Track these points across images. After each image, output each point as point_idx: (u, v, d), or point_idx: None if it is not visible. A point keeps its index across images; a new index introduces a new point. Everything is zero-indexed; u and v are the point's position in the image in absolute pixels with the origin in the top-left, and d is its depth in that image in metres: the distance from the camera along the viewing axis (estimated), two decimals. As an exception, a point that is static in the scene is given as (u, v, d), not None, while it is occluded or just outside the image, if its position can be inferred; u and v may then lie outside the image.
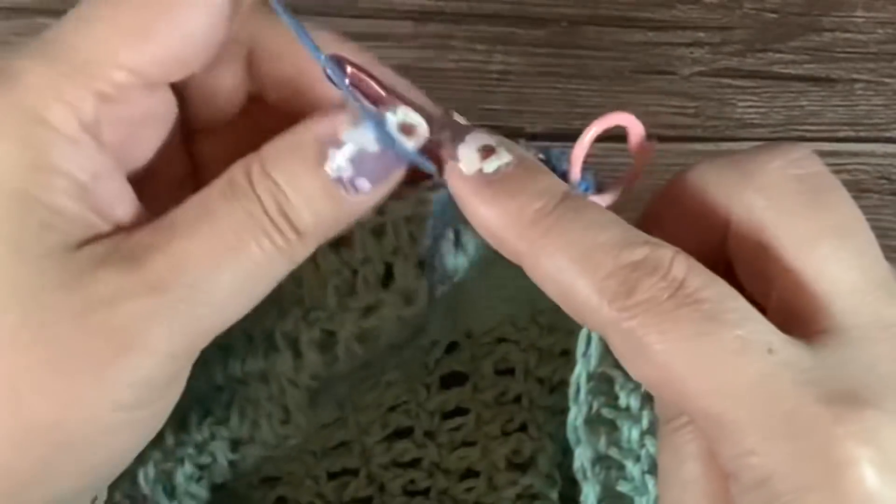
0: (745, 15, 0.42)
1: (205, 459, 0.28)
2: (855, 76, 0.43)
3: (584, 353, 0.28)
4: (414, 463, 0.35)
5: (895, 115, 0.43)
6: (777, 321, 0.21)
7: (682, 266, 0.21)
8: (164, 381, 0.23)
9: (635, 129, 0.27)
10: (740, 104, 0.42)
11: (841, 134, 0.42)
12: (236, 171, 0.24)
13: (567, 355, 0.31)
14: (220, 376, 0.28)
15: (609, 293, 0.21)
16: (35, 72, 0.22)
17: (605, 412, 0.28)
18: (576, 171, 0.27)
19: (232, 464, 0.28)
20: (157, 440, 0.27)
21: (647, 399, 0.27)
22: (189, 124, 0.27)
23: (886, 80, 0.43)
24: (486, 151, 0.24)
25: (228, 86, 0.27)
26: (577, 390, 0.28)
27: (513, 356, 0.33)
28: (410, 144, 0.24)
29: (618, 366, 0.27)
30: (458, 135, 0.25)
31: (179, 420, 0.28)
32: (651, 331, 0.21)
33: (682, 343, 0.20)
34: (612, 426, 0.28)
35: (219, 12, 0.24)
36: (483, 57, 0.41)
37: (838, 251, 0.22)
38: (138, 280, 0.22)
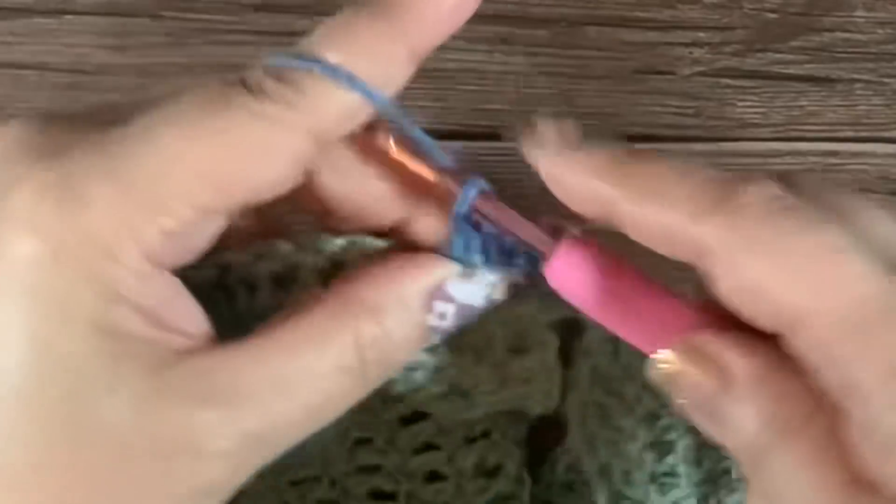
0: (745, 15, 0.42)
1: None
2: (855, 76, 0.43)
3: (578, 384, 0.28)
4: (376, 469, 0.35)
5: (895, 115, 0.43)
6: None
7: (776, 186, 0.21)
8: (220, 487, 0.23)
9: None
10: (740, 104, 0.42)
11: (841, 134, 0.42)
12: (343, 327, 0.23)
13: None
14: None
15: (710, 200, 0.21)
16: (106, 199, 0.21)
17: (602, 433, 0.29)
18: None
19: None
20: None
21: (643, 420, 0.28)
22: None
23: (886, 80, 0.43)
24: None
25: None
26: (573, 417, 0.29)
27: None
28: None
29: (610, 394, 0.28)
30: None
31: None
32: (764, 227, 0.21)
33: (789, 238, 0.21)
34: (611, 442, 0.29)
35: (302, 162, 0.23)
36: (483, 57, 0.41)
37: None
38: (230, 435, 0.22)
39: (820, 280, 0.20)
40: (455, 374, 0.28)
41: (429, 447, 0.35)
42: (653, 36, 0.42)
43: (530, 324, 0.28)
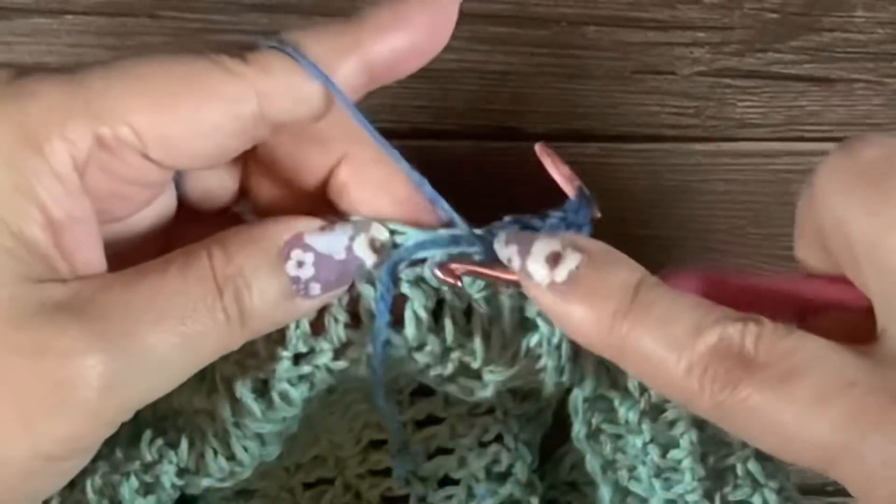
0: (745, 15, 0.42)
1: (149, 479, 0.27)
2: (855, 76, 0.43)
3: (580, 383, 0.28)
4: (389, 472, 0.35)
5: (895, 115, 0.43)
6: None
7: (752, 337, 0.23)
8: (90, 441, 0.23)
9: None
10: (740, 104, 0.42)
11: (841, 134, 0.42)
12: (198, 251, 0.24)
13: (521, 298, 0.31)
14: (177, 401, 0.28)
15: (690, 391, 0.23)
16: (48, 99, 0.22)
17: (606, 427, 0.29)
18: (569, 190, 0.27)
19: (176, 488, 0.28)
20: (106, 453, 0.27)
21: (646, 413, 0.28)
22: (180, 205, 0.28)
23: (886, 80, 0.43)
24: (554, 258, 0.25)
25: (226, 183, 0.28)
26: (576, 411, 0.29)
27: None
28: (373, 259, 0.26)
29: (614, 387, 0.28)
30: (524, 247, 0.25)
31: (131, 435, 0.28)
32: (738, 406, 0.22)
33: (767, 406, 0.22)
34: (615, 436, 0.28)
35: (239, 121, 0.24)
36: (483, 57, 0.41)
37: None
38: (90, 340, 0.22)
39: None
40: (463, 354, 0.28)
41: (441, 451, 0.35)
42: (653, 36, 0.42)
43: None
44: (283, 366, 0.27)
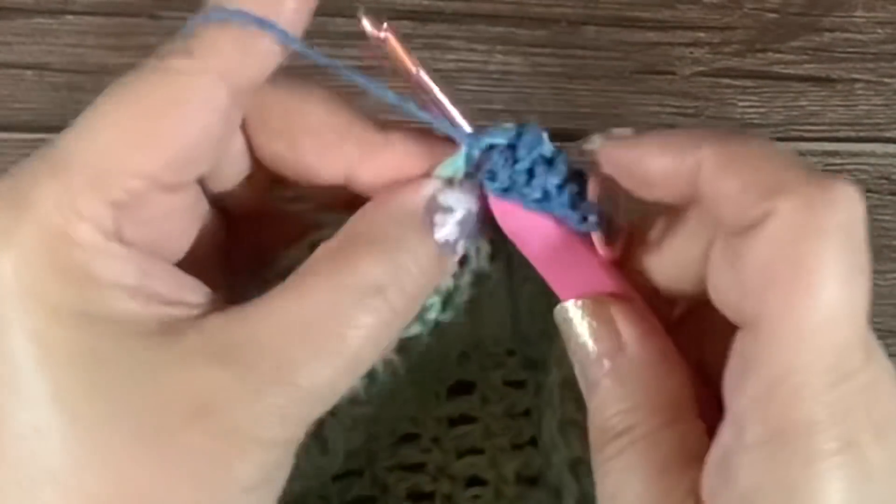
0: (745, 15, 0.42)
1: None
2: (855, 76, 0.43)
3: (559, 362, 0.28)
4: (418, 467, 0.34)
5: (895, 115, 0.43)
6: None
7: None
8: (275, 466, 0.23)
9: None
10: (740, 104, 0.42)
11: (841, 134, 0.42)
12: (346, 258, 0.23)
13: None
14: None
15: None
16: (48, 190, 0.22)
17: (579, 417, 0.28)
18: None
19: None
20: None
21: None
22: (224, 206, 0.27)
23: (886, 80, 0.43)
24: None
25: (243, 168, 0.27)
26: (551, 395, 0.28)
27: (522, 369, 0.33)
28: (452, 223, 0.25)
29: (581, 408, 0.28)
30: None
31: None
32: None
33: None
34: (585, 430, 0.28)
35: (220, 110, 0.23)
36: (483, 57, 0.41)
37: None
38: (246, 383, 0.21)
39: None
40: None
41: (473, 451, 0.34)
42: (653, 36, 0.42)
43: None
44: None
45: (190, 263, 0.25)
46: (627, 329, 0.24)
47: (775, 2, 0.42)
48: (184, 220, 0.25)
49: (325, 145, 0.26)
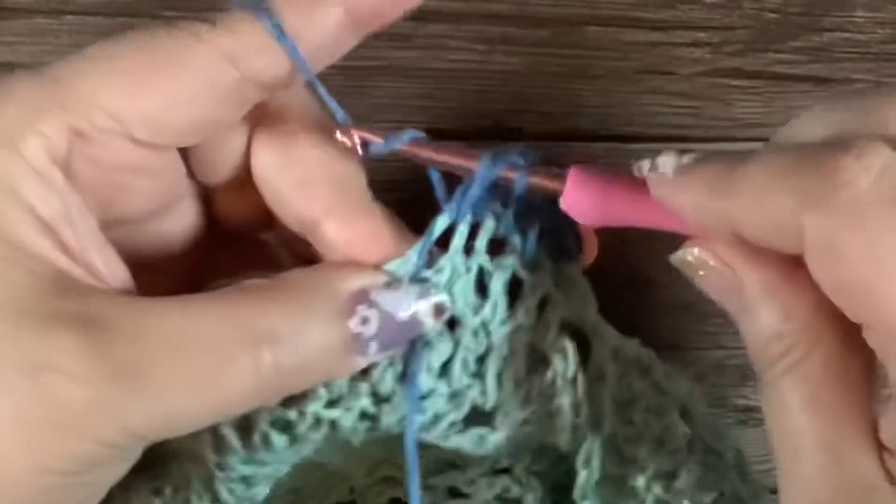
0: (745, 15, 0.42)
1: None
2: (855, 76, 0.43)
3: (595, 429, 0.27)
4: (397, 482, 0.34)
5: (895, 115, 0.43)
6: None
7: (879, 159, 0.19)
8: (101, 461, 0.22)
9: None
10: (740, 104, 0.42)
11: (841, 134, 0.42)
12: (251, 298, 0.23)
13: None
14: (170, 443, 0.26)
15: (812, 188, 0.20)
16: (18, 97, 0.22)
17: (613, 470, 0.28)
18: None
19: None
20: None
21: (651, 446, 0.27)
22: (200, 183, 0.27)
23: (886, 80, 0.43)
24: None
25: (236, 151, 0.26)
26: (587, 463, 0.28)
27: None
28: (434, 326, 0.25)
29: (624, 422, 0.27)
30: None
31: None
32: (847, 231, 0.19)
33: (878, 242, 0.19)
34: (620, 479, 0.28)
35: (216, 88, 0.23)
36: (483, 57, 0.41)
37: None
38: (98, 368, 0.21)
39: None
40: (475, 396, 0.27)
41: (451, 466, 0.34)
42: (653, 36, 0.42)
43: (545, 333, 0.27)
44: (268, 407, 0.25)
45: (138, 240, 0.25)
46: (744, 270, 0.23)
47: (775, 2, 0.42)
48: (147, 185, 0.24)
49: (310, 178, 0.25)
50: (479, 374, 0.27)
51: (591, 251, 0.27)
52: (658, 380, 0.28)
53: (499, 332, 0.26)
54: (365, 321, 0.24)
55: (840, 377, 0.21)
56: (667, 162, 0.23)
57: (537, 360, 0.27)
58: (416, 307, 0.25)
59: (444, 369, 0.26)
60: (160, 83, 0.22)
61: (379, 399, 0.26)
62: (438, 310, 0.25)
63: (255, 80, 0.23)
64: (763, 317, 0.22)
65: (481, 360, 0.27)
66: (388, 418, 0.26)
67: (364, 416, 0.26)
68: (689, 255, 0.23)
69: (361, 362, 0.24)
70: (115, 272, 0.23)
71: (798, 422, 0.21)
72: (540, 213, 0.26)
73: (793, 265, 0.22)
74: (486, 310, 0.26)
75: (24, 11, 0.39)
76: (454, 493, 0.34)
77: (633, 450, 0.27)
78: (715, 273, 0.23)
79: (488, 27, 0.41)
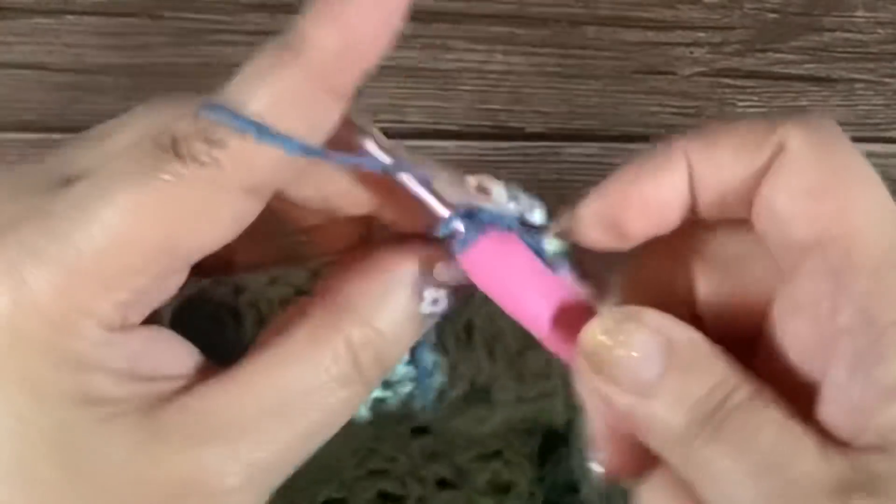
0: (745, 15, 0.42)
1: None
2: (855, 76, 0.43)
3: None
4: (385, 473, 0.34)
5: (895, 115, 0.43)
6: None
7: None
8: None
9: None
10: (740, 104, 0.42)
11: (841, 134, 0.42)
12: (331, 336, 0.23)
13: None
14: None
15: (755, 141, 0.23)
16: (53, 283, 0.21)
17: None
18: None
19: None
20: None
21: None
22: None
23: (886, 80, 0.43)
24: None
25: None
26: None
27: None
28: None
29: None
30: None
31: None
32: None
33: None
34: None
35: (242, 219, 0.22)
36: (483, 57, 0.41)
37: None
38: (238, 473, 0.22)
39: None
40: (471, 370, 0.27)
41: (439, 456, 0.34)
42: (653, 36, 0.42)
43: None
44: None
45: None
46: (660, 322, 0.22)
47: (775, 2, 0.42)
48: (176, 286, 0.24)
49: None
50: (470, 346, 0.27)
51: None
52: None
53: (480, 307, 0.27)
54: (435, 301, 0.24)
55: (767, 413, 0.21)
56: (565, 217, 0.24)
57: (531, 340, 0.27)
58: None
59: (441, 344, 0.27)
60: (190, 239, 0.22)
61: (388, 384, 0.27)
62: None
63: (273, 191, 0.23)
64: (684, 385, 0.22)
65: (468, 331, 0.27)
66: (393, 399, 0.27)
67: (376, 401, 0.27)
68: (595, 333, 0.23)
69: (432, 322, 0.25)
70: (188, 361, 0.23)
71: (736, 467, 0.21)
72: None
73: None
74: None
75: (24, 11, 0.39)
76: (444, 484, 0.34)
77: None
78: (623, 355, 0.22)
79: (488, 27, 0.41)
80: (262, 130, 0.21)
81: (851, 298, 0.21)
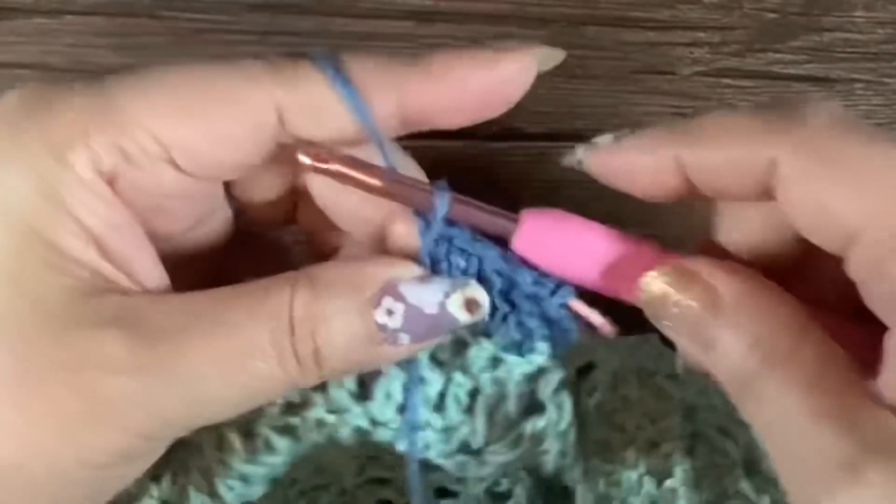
0: (745, 15, 0.42)
1: None
2: (855, 76, 0.43)
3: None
4: (386, 482, 0.35)
5: (895, 115, 0.43)
6: None
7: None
8: (135, 454, 0.23)
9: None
10: (740, 104, 0.42)
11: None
12: (281, 285, 0.23)
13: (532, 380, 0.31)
14: None
15: (776, 124, 0.22)
16: (72, 110, 0.22)
17: (604, 467, 0.29)
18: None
19: None
20: None
21: (643, 449, 0.28)
22: (236, 197, 0.27)
23: (886, 80, 0.43)
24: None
25: (276, 172, 0.27)
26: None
27: None
28: (467, 319, 0.24)
29: (612, 428, 0.28)
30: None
31: None
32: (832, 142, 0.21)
33: None
34: (607, 473, 0.29)
35: (261, 136, 0.23)
36: (483, 57, 0.41)
37: None
38: (137, 359, 0.22)
39: (882, 196, 0.21)
40: (466, 433, 0.27)
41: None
42: (653, 36, 0.42)
43: (544, 382, 0.27)
44: (271, 412, 0.26)
45: (177, 251, 0.26)
46: (716, 275, 0.23)
47: (775, 2, 0.42)
48: (185, 207, 0.25)
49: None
50: (470, 411, 0.27)
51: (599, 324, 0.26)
52: (660, 384, 0.29)
53: (485, 374, 0.27)
54: (390, 313, 0.24)
55: (833, 361, 0.22)
56: (603, 139, 0.25)
57: (532, 405, 0.28)
58: (444, 301, 0.24)
59: (440, 403, 0.27)
60: (210, 119, 0.23)
61: (375, 423, 0.27)
62: (471, 304, 0.25)
63: (293, 133, 0.24)
64: (739, 331, 0.22)
65: (472, 396, 0.27)
66: (382, 436, 0.27)
67: (359, 430, 0.27)
68: (654, 284, 0.24)
69: (393, 352, 0.24)
70: (153, 274, 0.24)
71: (802, 405, 0.21)
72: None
73: (759, 277, 0.23)
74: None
75: (24, 11, 0.39)
76: (443, 492, 0.34)
77: (622, 452, 0.28)
78: (681, 307, 0.23)
79: (488, 27, 0.41)
80: (349, 91, 0.23)
81: None
